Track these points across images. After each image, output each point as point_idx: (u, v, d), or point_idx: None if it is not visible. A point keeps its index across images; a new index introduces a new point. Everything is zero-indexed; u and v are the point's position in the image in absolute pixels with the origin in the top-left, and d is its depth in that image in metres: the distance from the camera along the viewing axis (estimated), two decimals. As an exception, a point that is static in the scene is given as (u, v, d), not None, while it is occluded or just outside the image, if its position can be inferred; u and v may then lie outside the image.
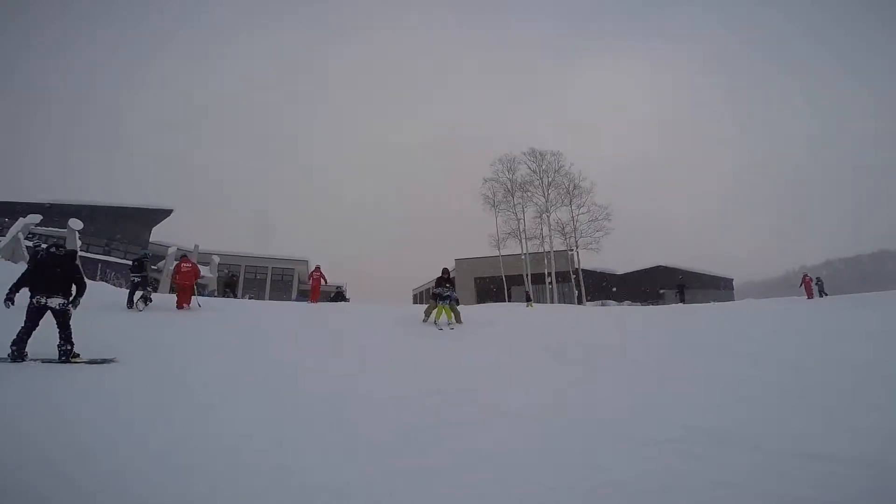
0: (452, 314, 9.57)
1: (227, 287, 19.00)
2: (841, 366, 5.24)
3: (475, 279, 35.68)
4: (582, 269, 30.85)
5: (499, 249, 30.45)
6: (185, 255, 11.06)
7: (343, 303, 18.69)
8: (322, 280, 16.19)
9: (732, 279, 39.73)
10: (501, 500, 2.44)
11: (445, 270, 10.11)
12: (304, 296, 36.60)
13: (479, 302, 31.86)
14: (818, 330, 7.94)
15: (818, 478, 2.48)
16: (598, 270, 36.44)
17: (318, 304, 15.13)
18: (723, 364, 5.70)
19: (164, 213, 28.13)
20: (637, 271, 38.67)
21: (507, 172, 30.67)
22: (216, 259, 26.43)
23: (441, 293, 9.54)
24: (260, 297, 33.23)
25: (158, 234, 28.01)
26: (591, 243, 29.69)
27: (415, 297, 49.45)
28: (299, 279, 38.54)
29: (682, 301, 22.02)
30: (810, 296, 17.29)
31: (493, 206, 30.43)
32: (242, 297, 26.53)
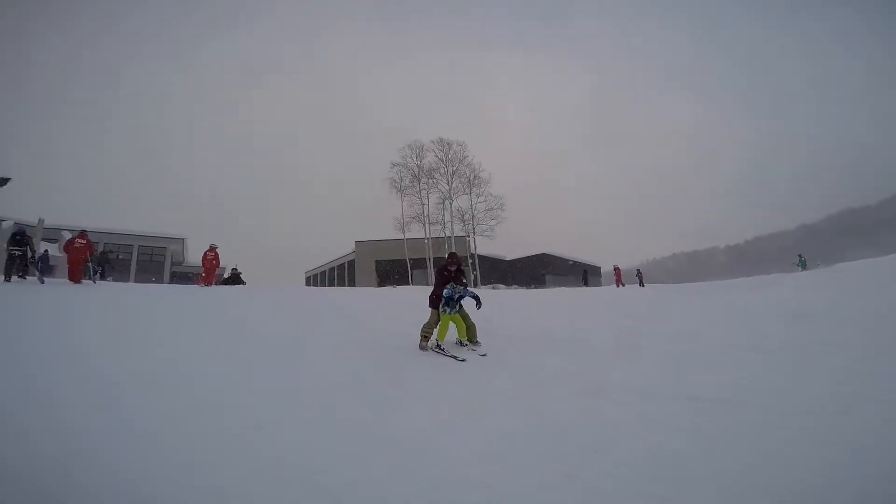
0: (466, 328, 5.96)
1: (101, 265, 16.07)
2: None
3: (376, 262, 35.61)
4: (478, 255, 32.87)
5: (403, 233, 30.90)
6: (83, 232, 10.43)
7: (241, 286, 17.34)
8: (217, 261, 15.29)
9: (600, 267, 45.87)
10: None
11: (453, 256, 6.28)
12: (179, 279, 32.57)
13: (379, 285, 31.92)
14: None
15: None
16: (491, 256, 39.11)
17: (214, 287, 14.14)
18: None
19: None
20: (523, 258, 42.35)
21: (414, 158, 31.28)
22: (66, 235, 22.07)
23: (453, 294, 5.84)
24: (124, 279, 28.64)
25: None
26: (486, 230, 31.77)
27: (307, 279, 47.36)
28: (172, 259, 34.15)
29: (586, 284, 25.57)
30: (618, 285, 21.75)
31: (400, 190, 30.80)
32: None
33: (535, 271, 40.67)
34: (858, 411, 3.28)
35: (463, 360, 5.38)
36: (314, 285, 40.31)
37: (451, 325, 5.91)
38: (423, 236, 31.23)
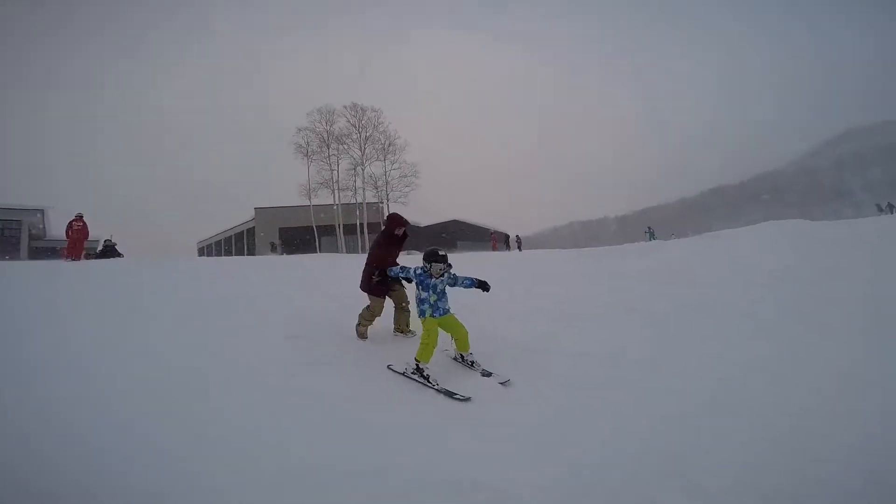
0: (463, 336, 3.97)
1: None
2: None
3: (280, 229, 33.89)
4: (391, 221, 32.80)
5: (310, 199, 29.72)
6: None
7: (117, 258, 15.58)
8: (85, 232, 13.85)
9: (508, 234, 48.30)
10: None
11: (397, 218, 4.78)
12: (42, 254, 28.26)
13: (284, 253, 30.64)
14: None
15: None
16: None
17: (86, 261, 12.71)
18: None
19: None
20: (436, 224, 43.13)
21: (324, 123, 29.80)
22: None
23: (423, 273, 3.87)
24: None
25: None
26: (400, 197, 31.72)
27: (199, 250, 43.69)
28: (31, 233, 29.38)
29: (520, 249, 27.19)
30: (494, 249, 24.57)
31: (307, 155, 29.34)
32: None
33: (447, 237, 41.80)
34: (721, 373, 3.59)
35: (468, 399, 3.29)
36: (207, 256, 37.29)
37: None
38: (331, 202, 30.34)
